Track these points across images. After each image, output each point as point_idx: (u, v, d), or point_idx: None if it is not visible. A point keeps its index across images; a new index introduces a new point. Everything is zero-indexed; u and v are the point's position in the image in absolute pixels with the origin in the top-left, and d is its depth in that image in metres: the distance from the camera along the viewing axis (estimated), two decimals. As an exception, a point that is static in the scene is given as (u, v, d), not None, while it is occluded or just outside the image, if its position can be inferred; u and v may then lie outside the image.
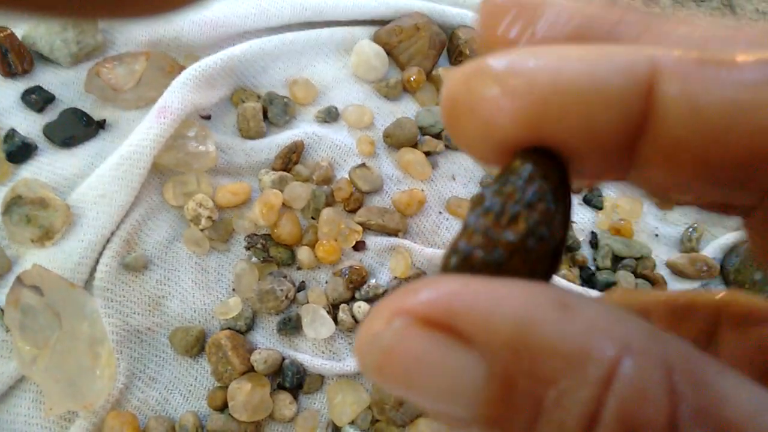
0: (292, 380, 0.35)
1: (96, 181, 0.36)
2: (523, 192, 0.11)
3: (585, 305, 0.09)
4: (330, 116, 0.43)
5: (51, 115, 0.39)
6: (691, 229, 0.46)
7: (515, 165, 0.11)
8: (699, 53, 0.10)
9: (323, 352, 0.36)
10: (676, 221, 0.47)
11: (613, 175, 0.11)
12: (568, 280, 0.40)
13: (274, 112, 0.42)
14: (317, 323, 0.36)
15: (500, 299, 0.09)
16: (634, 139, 0.10)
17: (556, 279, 0.39)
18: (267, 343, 0.36)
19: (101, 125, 0.40)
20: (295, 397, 0.35)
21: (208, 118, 0.42)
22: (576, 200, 0.45)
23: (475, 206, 0.11)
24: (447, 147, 0.43)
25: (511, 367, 0.09)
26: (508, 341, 0.09)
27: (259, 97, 0.43)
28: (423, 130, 0.43)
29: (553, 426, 0.09)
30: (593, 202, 0.45)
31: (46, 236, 0.35)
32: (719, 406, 0.09)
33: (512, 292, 0.09)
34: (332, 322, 0.36)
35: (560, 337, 0.09)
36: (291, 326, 0.36)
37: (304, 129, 0.42)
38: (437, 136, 0.43)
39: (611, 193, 0.46)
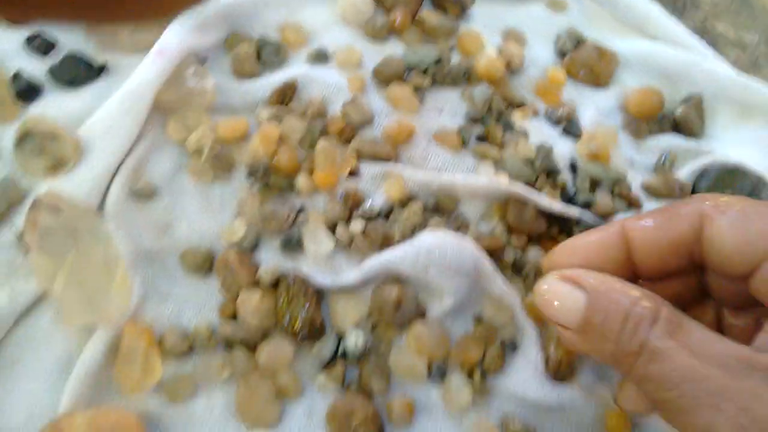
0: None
1: (103, 115, 0.38)
2: None
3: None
4: (320, 57, 0.45)
5: (54, 58, 0.41)
6: (664, 156, 0.49)
7: None
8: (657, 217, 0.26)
9: (323, 267, 0.39)
10: (650, 149, 0.50)
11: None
12: (551, 199, 0.43)
13: (266, 54, 0.45)
14: (318, 240, 0.38)
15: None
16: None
17: (541, 197, 0.42)
18: (271, 261, 0.39)
19: (102, 69, 0.42)
20: (300, 307, 0.38)
21: (203, 61, 0.44)
22: (557, 131, 0.48)
23: None
24: (434, 82, 0.46)
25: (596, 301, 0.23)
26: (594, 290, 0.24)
27: (251, 41, 0.45)
28: (410, 67, 0.46)
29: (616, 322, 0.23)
30: (572, 132, 0.48)
31: (58, 166, 0.37)
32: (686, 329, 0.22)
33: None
34: (332, 239, 0.39)
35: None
36: (294, 244, 0.39)
37: (296, 70, 0.44)
38: (424, 72, 0.46)
39: (588, 123, 0.49)
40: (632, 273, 0.26)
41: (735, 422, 0.20)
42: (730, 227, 0.23)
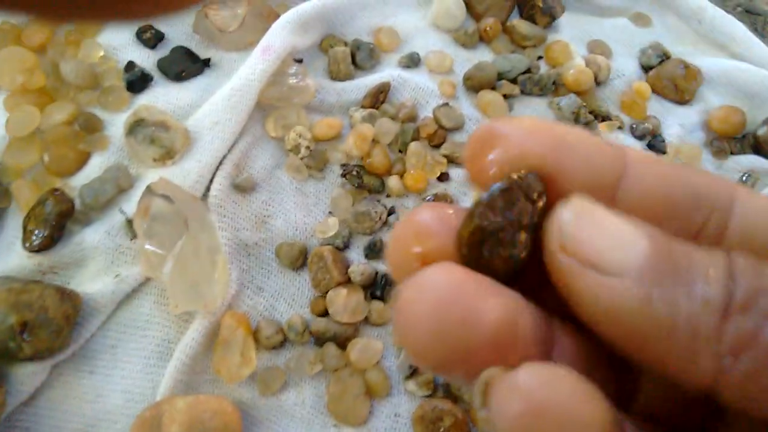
0: (383, 291, 0.38)
1: (210, 109, 0.40)
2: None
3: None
4: (412, 62, 0.46)
5: (162, 51, 0.42)
6: (746, 176, 0.49)
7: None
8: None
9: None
10: (732, 169, 0.50)
11: None
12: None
13: (361, 56, 0.45)
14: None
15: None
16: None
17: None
18: (362, 259, 0.39)
19: (207, 63, 0.43)
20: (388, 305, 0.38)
21: (300, 61, 0.45)
22: (641, 146, 0.48)
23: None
24: (522, 92, 0.46)
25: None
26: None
27: (346, 43, 0.46)
28: (500, 75, 0.46)
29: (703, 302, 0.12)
30: (657, 147, 0.47)
31: (167, 156, 0.38)
32: None
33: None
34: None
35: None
36: (377, 250, 0.39)
37: (389, 72, 0.45)
38: (513, 81, 0.46)
39: (673, 140, 0.48)
40: None
41: None
42: None
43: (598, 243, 0.13)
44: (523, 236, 0.13)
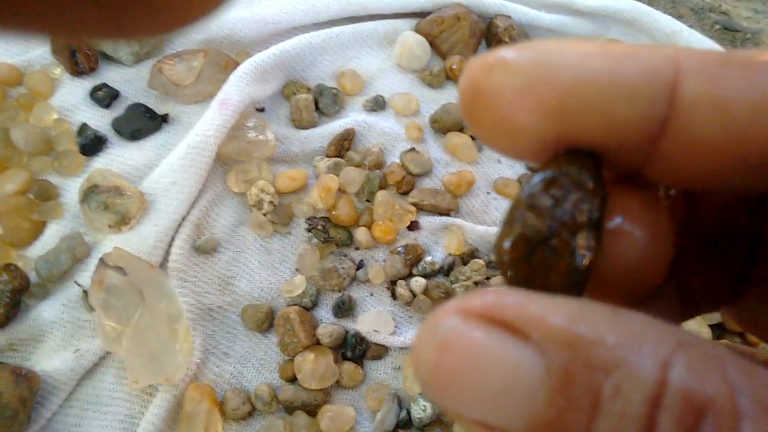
0: (354, 351, 0.37)
1: (166, 169, 0.38)
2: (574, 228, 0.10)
3: (633, 313, 0.10)
4: (377, 105, 0.45)
5: (117, 110, 0.41)
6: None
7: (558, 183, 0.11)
8: (720, 54, 0.10)
9: (383, 326, 0.38)
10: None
11: (626, 171, 0.12)
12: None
13: (324, 102, 0.44)
14: (377, 299, 0.38)
15: (555, 303, 0.10)
16: (655, 136, 0.10)
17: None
18: (331, 318, 0.38)
19: (165, 119, 0.42)
20: (360, 365, 0.37)
21: (262, 110, 0.44)
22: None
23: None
24: (491, 130, 0.45)
25: (568, 359, 0.09)
26: (565, 335, 0.09)
27: (309, 89, 0.45)
28: (467, 115, 0.45)
29: (614, 418, 0.09)
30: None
31: (122, 222, 0.37)
32: None
33: (565, 300, 0.10)
34: (389, 299, 0.38)
35: (616, 331, 0.09)
36: (345, 308, 0.38)
37: (353, 117, 0.44)
38: (481, 120, 0.45)
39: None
40: None
41: None
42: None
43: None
44: (582, 239, 0.10)
